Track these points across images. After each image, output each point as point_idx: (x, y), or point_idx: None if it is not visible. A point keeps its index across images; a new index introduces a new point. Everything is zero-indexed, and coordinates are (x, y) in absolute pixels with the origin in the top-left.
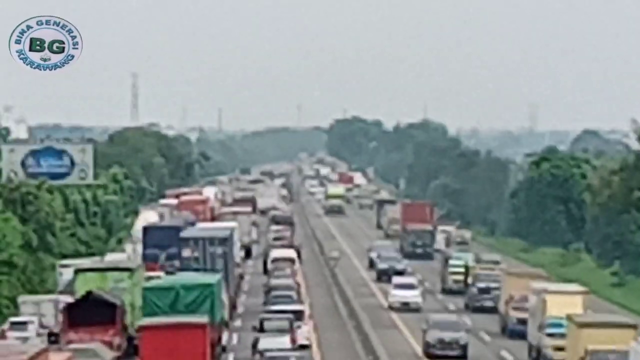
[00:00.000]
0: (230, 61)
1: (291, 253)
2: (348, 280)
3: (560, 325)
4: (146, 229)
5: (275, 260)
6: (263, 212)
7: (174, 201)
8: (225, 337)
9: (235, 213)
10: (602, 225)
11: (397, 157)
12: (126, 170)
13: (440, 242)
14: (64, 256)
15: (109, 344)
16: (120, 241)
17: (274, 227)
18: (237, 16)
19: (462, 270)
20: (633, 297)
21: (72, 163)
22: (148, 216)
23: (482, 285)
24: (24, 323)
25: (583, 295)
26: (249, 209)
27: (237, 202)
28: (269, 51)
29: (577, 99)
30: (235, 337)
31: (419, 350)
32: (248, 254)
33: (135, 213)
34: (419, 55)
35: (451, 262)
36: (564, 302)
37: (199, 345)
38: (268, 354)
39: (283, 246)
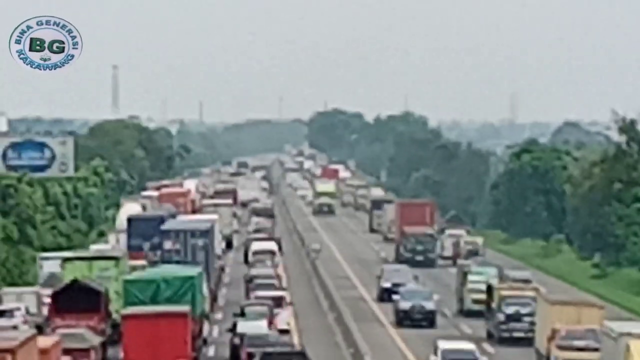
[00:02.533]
0: (211, 53)
1: (272, 245)
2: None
3: None
4: (131, 220)
5: (256, 252)
6: (244, 204)
7: (155, 193)
8: (206, 329)
9: (216, 205)
10: (583, 217)
11: (378, 149)
12: (107, 163)
13: (448, 248)
14: (45, 249)
15: (94, 329)
16: (101, 234)
17: (255, 219)
18: (218, 9)
19: (483, 288)
20: (614, 289)
21: (53, 156)
22: (131, 208)
23: (510, 310)
24: (11, 311)
25: None
26: (229, 201)
27: (218, 194)
28: (249, 43)
29: (558, 91)
30: (216, 329)
31: (402, 345)
32: (229, 245)
33: (116, 206)
34: (399, 47)
35: (470, 277)
36: None
37: (180, 333)
38: (248, 336)
39: (264, 238)
